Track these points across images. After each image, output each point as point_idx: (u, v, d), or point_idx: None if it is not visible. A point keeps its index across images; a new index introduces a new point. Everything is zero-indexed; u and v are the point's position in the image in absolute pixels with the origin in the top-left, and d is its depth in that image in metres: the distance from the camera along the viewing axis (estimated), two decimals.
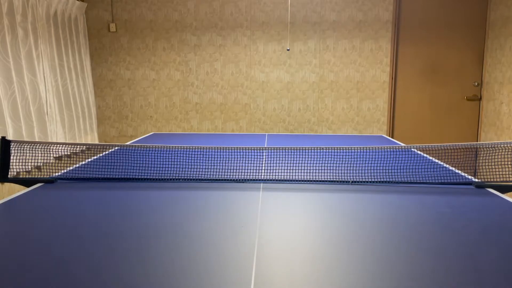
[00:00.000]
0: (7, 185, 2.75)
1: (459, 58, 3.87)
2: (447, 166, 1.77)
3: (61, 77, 3.40)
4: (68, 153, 2.96)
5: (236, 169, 1.68)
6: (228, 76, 3.99)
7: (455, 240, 0.96)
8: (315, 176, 1.57)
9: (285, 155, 1.98)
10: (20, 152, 1.55)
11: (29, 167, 1.63)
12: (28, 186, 1.45)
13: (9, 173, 1.49)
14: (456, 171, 1.68)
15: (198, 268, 0.82)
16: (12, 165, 1.51)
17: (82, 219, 1.11)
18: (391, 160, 1.84)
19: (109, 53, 3.99)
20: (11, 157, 1.51)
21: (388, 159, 1.86)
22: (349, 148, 1.55)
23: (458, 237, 0.98)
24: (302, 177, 1.55)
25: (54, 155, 2.98)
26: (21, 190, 1.41)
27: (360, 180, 1.52)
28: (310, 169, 1.68)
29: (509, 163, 1.47)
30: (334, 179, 1.51)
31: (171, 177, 1.54)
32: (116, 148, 2.18)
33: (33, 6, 3.01)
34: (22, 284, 0.75)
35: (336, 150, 1.91)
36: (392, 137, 4.02)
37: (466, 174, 1.63)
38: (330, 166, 1.72)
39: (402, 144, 2.05)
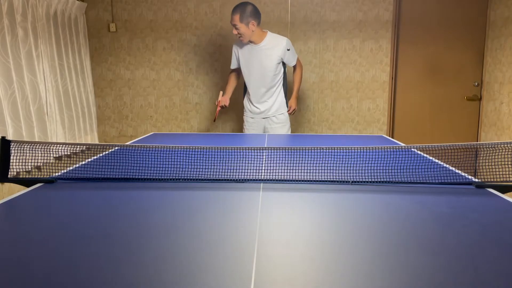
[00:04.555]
0: (7, 185, 2.75)
1: (459, 58, 3.87)
2: (447, 166, 1.77)
3: (61, 77, 3.40)
4: (68, 153, 2.96)
5: (236, 169, 1.68)
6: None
7: (455, 240, 0.96)
8: (315, 176, 1.57)
9: (285, 155, 1.98)
10: (20, 152, 1.55)
11: (29, 167, 1.63)
12: (28, 186, 1.45)
13: (9, 173, 1.49)
14: (456, 171, 1.68)
15: (198, 268, 0.82)
16: (12, 165, 1.51)
17: (82, 219, 1.11)
18: (391, 160, 1.84)
19: (109, 53, 3.99)
20: (11, 157, 1.51)
21: (388, 159, 1.86)
22: (349, 148, 1.55)
23: (458, 237, 0.98)
24: (302, 177, 1.55)
25: (54, 155, 2.98)
26: (21, 190, 1.41)
27: (360, 180, 1.52)
28: (310, 169, 1.68)
29: (509, 163, 1.47)
30: (334, 179, 1.51)
31: (171, 177, 1.54)
32: (116, 148, 2.18)
33: (33, 6, 3.01)
34: (22, 284, 0.75)
35: (336, 150, 1.91)
36: (392, 137, 4.02)
37: (466, 174, 1.63)
38: (330, 166, 1.72)
39: (402, 144, 2.05)
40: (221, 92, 3.14)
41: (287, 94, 3.19)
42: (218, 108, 3.08)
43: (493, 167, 1.48)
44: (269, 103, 3.11)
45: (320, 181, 1.50)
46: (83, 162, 1.84)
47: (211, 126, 4.12)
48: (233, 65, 3.19)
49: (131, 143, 2.38)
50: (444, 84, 3.94)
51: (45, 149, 1.58)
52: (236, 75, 3.26)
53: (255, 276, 0.79)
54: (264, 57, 3.00)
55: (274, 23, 3.87)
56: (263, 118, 3.18)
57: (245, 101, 3.24)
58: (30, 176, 2.38)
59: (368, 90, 3.98)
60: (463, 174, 1.63)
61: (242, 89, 3.31)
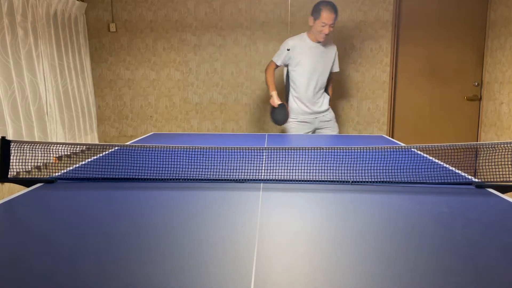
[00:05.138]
0: (7, 185, 2.75)
1: (459, 58, 3.87)
2: (447, 166, 1.77)
3: (61, 77, 3.40)
4: (68, 153, 2.96)
5: (236, 169, 1.68)
6: (228, 76, 3.99)
7: (455, 240, 0.96)
8: (315, 176, 1.57)
9: (285, 155, 1.98)
10: (20, 152, 1.55)
11: (29, 167, 1.63)
12: (28, 186, 1.45)
13: (9, 173, 1.49)
14: (456, 171, 1.68)
15: (198, 268, 0.82)
16: (12, 165, 1.51)
17: (82, 219, 1.11)
18: (391, 160, 1.84)
19: (109, 53, 3.99)
20: (11, 157, 1.51)
21: (388, 159, 1.86)
22: (349, 148, 1.55)
23: (458, 237, 0.98)
24: (302, 177, 1.55)
25: (54, 155, 2.98)
26: (21, 190, 1.41)
27: (360, 180, 1.52)
28: (310, 169, 1.68)
29: (509, 163, 1.47)
30: (334, 179, 1.51)
31: (171, 177, 1.54)
32: (116, 148, 2.18)
33: (33, 6, 3.01)
34: (22, 284, 0.75)
35: (336, 150, 1.91)
36: (392, 137, 4.02)
37: (466, 174, 1.63)
38: (330, 166, 1.72)
39: (402, 144, 2.05)
40: (274, 92, 3.06)
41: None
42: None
43: (493, 167, 1.48)
44: (319, 103, 3.13)
45: (320, 181, 1.50)
46: (83, 162, 1.84)
47: (211, 126, 4.11)
48: (281, 62, 3.06)
49: (131, 143, 2.38)
50: (444, 84, 3.94)
51: (45, 149, 1.58)
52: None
53: (255, 276, 0.79)
54: (327, 57, 3.06)
55: (274, 23, 3.87)
56: (315, 118, 3.16)
57: (292, 102, 3.12)
58: (30, 176, 2.38)
59: (368, 90, 3.98)
60: (463, 174, 1.63)
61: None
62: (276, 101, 3.03)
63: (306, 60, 3.01)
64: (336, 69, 3.22)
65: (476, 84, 3.90)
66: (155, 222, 1.08)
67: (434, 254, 0.89)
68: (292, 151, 2.04)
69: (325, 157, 1.89)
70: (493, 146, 1.56)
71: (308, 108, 3.10)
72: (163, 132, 4.07)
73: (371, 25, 3.85)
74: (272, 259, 0.86)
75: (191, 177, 1.54)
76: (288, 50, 3.02)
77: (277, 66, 3.10)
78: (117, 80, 4.05)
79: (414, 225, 1.06)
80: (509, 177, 1.44)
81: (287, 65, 3.08)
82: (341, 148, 1.54)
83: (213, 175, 1.58)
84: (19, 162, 1.56)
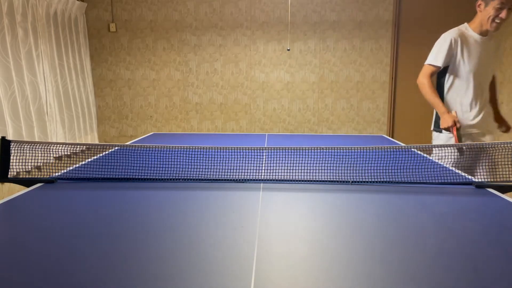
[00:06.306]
0: (7, 185, 2.74)
1: None
2: (447, 166, 1.77)
3: (61, 77, 3.40)
4: (68, 153, 2.96)
5: (236, 169, 1.68)
6: (228, 76, 3.99)
7: (455, 240, 0.96)
8: (315, 176, 1.57)
9: (285, 155, 1.98)
10: (20, 152, 1.55)
11: (29, 167, 1.63)
12: (28, 186, 1.45)
13: (9, 173, 1.49)
14: (456, 171, 1.68)
15: (198, 268, 0.82)
16: (12, 165, 1.51)
17: (82, 219, 1.11)
18: (391, 160, 1.84)
19: (109, 53, 3.99)
20: (11, 157, 1.51)
21: (388, 159, 1.86)
22: (349, 148, 1.55)
23: (458, 237, 0.98)
24: (302, 177, 1.55)
25: (54, 155, 2.98)
26: (21, 190, 1.41)
27: (360, 180, 1.52)
28: (310, 169, 1.67)
29: (509, 163, 1.47)
30: (334, 179, 1.51)
31: (171, 177, 1.54)
32: (116, 148, 2.17)
33: (33, 6, 3.01)
34: (22, 284, 0.75)
35: (336, 150, 1.91)
36: (392, 137, 4.02)
37: (466, 174, 1.63)
38: (330, 166, 1.72)
39: (402, 144, 2.05)
40: (454, 112, 2.22)
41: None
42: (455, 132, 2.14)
43: (493, 167, 1.48)
44: (474, 113, 2.24)
45: (320, 181, 1.50)
46: (83, 162, 1.84)
47: (211, 126, 4.11)
48: (444, 62, 2.29)
49: (131, 143, 2.38)
50: None
51: (45, 149, 1.58)
52: None
53: (255, 276, 0.79)
54: (491, 54, 2.34)
55: (274, 23, 3.87)
56: (472, 133, 2.24)
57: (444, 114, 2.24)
58: (30, 176, 2.38)
59: (368, 90, 3.98)
60: (463, 174, 1.63)
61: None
62: (455, 122, 2.14)
63: (469, 57, 2.28)
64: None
65: None
66: (155, 222, 1.08)
67: (434, 254, 0.89)
68: (292, 151, 2.03)
69: (325, 157, 1.89)
70: (493, 146, 1.56)
71: (465, 119, 2.23)
72: (163, 132, 4.07)
73: (371, 25, 3.85)
74: (272, 259, 0.86)
75: (191, 177, 1.54)
76: (288, 50, 2.97)
77: (436, 69, 2.34)
78: (117, 80, 4.04)
79: (414, 225, 1.06)
80: (509, 177, 1.44)
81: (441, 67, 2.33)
82: (341, 148, 1.54)
83: (213, 175, 1.58)
84: (19, 162, 1.56)
